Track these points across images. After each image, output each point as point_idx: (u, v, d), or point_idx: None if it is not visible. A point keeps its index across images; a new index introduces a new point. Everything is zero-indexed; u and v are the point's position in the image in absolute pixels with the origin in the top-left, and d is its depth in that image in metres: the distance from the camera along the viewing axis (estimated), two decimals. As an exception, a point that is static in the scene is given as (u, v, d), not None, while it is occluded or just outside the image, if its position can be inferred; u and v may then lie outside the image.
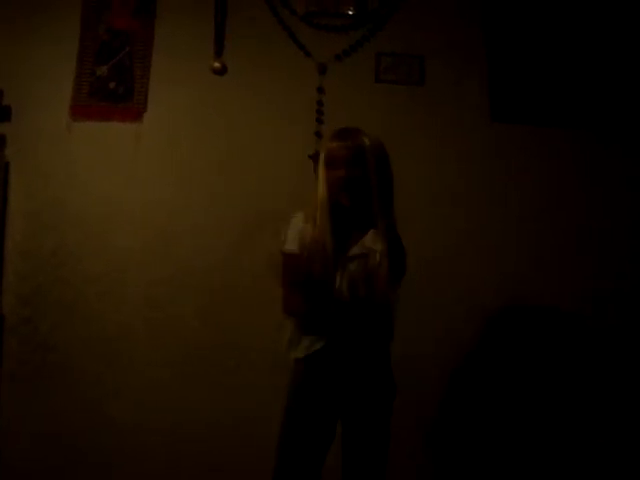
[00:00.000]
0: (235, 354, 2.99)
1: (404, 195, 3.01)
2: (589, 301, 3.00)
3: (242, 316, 2.99)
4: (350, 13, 3.10)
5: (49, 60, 3.14)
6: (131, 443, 2.98)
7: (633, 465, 2.91)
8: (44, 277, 3.04)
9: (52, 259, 3.04)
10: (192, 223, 3.05)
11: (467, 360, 3.00)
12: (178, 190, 3.06)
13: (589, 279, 3.01)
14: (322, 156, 2.13)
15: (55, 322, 3.03)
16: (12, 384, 3.00)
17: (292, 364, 2.22)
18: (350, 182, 2.07)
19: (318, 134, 3.02)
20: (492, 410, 2.97)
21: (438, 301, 3.00)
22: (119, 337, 3.02)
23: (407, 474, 2.90)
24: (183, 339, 3.01)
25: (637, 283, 3.00)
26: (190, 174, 3.07)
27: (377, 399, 2.17)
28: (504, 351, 3.00)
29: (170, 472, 2.96)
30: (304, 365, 2.17)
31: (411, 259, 2.93)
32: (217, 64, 3.09)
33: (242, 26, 3.11)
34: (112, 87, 3.11)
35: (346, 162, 2.07)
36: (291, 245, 2.14)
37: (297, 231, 2.15)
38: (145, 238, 3.06)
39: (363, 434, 2.16)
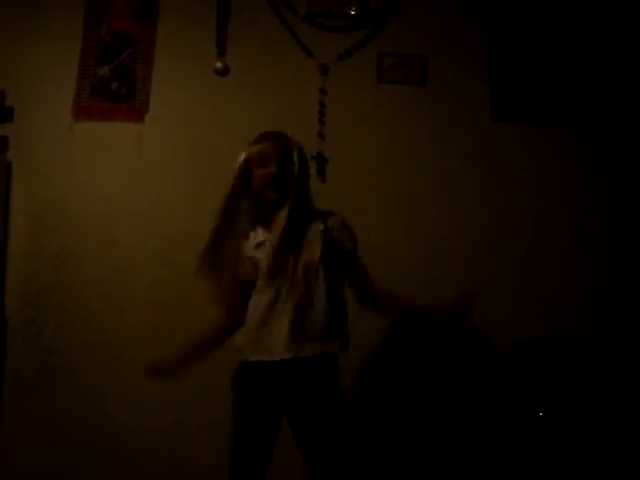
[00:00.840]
0: (235, 354, 2.98)
1: (405, 194, 3.08)
2: (587, 301, 3.00)
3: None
4: (352, 13, 3.11)
5: (49, 60, 3.16)
6: (131, 443, 2.96)
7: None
8: (46, 279, 3.04)
9: (55, 260, 3.04)
10: (194, 224, 3.03)
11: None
12: (180, 191, 3.07)
13: (587, 279, 3.02)
14: (245, 158, 2.27)
15: (57, 324, 3.02)
16: (13, 384, 2.99)
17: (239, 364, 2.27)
18: (280, 177, 2.20)
19: (321, 135, 3.04)
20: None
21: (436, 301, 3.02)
22: (119, 337, 3.01)
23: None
24: (184, 339, 3.00)
25: (635, 283, 3.02)
26: (192, 174, 3.08)
27: (324, 399, 2.14)
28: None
29: (170, 472, 2.95)
30: (254, 369, 2.21)
31: (410, 258, 3.00)
32: (219, 64, 3.11)
33: (244, 26, 3.13)
34: (114, 88, 3.12)
35: (277, 159, 2.22)
36: None
37: None
38: (146, 238, 3.06)
39: (313, 430, 2.12)
